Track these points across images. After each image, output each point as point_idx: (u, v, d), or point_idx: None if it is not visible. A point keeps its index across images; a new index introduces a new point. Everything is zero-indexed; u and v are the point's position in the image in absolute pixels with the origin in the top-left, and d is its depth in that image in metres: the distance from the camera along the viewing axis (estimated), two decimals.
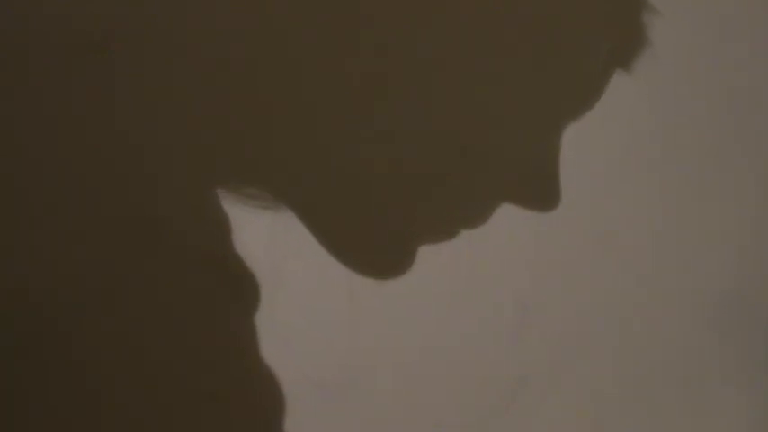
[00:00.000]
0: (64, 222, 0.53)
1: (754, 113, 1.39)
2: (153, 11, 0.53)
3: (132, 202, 0.55)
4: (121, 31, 0.53)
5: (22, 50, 0.53)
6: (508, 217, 0.61)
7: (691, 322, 1.40)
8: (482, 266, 1.26)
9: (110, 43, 0.53)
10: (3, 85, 0.53)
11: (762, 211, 1.43)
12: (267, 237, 0.59)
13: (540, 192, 0.59)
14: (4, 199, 0.52)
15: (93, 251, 0.53)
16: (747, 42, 1.37)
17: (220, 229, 0.58)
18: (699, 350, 1.41)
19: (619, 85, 0.60)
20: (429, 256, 0.61)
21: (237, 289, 0.58)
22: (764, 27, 1.38)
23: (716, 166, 1.40)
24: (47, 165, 0.53)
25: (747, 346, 1.42)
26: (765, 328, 1.41)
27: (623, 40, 0.59)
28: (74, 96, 0.53)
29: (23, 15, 0.53)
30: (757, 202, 1.42)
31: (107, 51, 0.53)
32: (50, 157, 0.53)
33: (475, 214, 0.60)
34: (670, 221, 1.39)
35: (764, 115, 1.40)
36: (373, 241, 0.59)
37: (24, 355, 0.52)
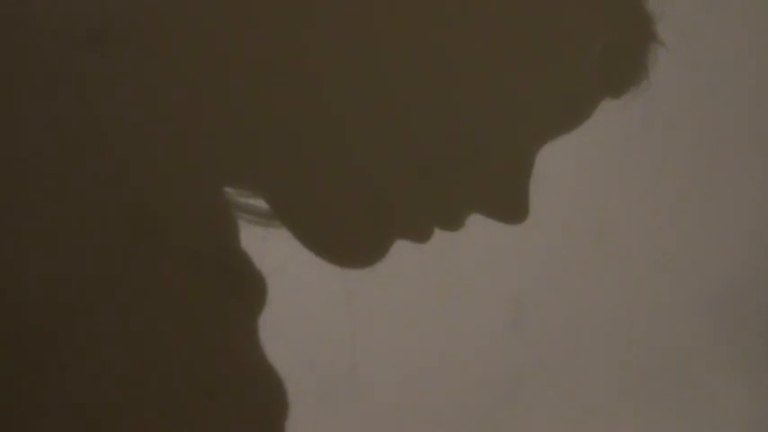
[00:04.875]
0: (60, 220, 0.53)
1: (754, 114, 1.40)
2: (153, 7, 0.53)
3: (129, 200, 0.55)
4: (121, 28, 0.53)
5: (22, 48, 0.53)
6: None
7: (689, 319, 1.40)
8: (478, 264, 1.26)
9: (109, 39, 0.53)
10: (1, 83, 0.53)
11: (761, 207, 1.43)
12: (265, 234, 0.59)
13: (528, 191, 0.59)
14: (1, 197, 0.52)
15: (90, 248, 0.53)
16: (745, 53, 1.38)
17: (219, 226, 0.58)
18: (696, 346, 1.41)
19: (613, 84, 0.61)
20: (424, 255, 0.61)
21: (235, 286, 0.58)
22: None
23: (715, 162, 1.40)
24: (43, 163, 0.53)
25: (746, 342, 1.42)
26: (765, 324, 1.42)
27: (621, 40, 0.59)
28: (74, 93, 0.53)
29: (23, 13, 0.53)
30: (756, 199, 1.43)
31: (107, 47, 0.53)
32: (48, 155, 0.53)
33: (470, 212, 0.60)
34: (668, 218, 1.39)
35: (764, 115, 1.41)
36: (367, 240, 0.59)
37: (17, 354, 0.52)
